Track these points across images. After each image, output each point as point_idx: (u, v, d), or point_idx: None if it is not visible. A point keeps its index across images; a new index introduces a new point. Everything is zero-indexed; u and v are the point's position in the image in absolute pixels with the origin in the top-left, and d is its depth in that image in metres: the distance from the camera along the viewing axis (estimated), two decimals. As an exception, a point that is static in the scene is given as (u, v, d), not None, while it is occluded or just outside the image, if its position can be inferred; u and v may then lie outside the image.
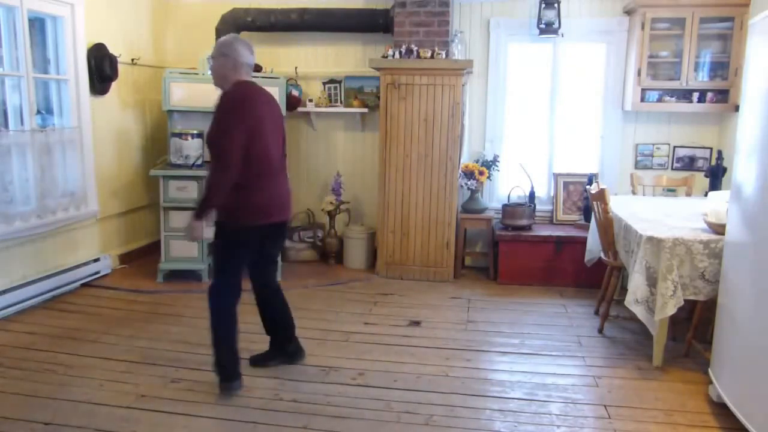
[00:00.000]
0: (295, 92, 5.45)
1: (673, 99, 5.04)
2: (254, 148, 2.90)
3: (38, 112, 4.32)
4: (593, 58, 5.39)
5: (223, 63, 2.99)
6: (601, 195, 3.87)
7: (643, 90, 5.02)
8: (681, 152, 5.32)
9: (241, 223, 2.96)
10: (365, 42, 5.53)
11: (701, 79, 4.93)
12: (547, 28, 5.11)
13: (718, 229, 3.26)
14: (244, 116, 2.87)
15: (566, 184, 5.43)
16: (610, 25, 5.23)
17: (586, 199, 5.10)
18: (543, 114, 5.49)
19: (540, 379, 3.29)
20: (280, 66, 5.58)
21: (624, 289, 3.66)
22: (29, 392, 3.00)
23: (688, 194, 4.91)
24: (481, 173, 5.21)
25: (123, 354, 3.48)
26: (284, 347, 3.40)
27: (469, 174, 5.18)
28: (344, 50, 5.61)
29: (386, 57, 4.96)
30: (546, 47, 5.38)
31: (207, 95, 4.98)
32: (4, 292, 3.95)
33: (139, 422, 2.76)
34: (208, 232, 2.99)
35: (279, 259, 3.49)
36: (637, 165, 5.37)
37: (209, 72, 2.93)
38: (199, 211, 2.88)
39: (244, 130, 2.85)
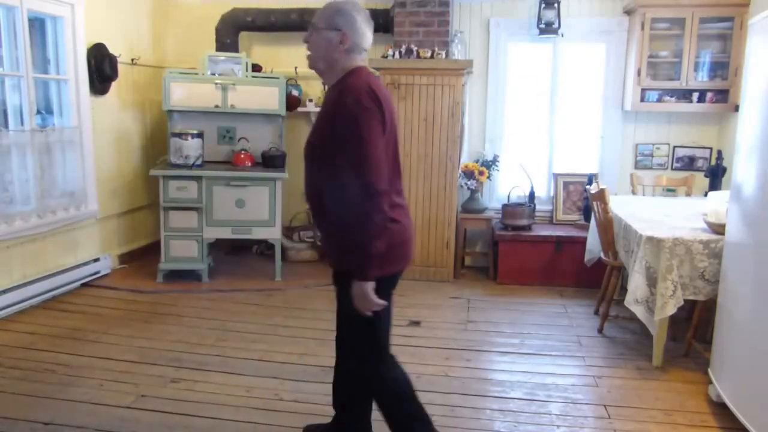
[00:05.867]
0: (295, 92, 5.46)
1: (673, 99, 5.04)
2: (387, 160, 2.09)
3: (38, 112, 4.32)
4: (593, 58, 5.39)
5: (330, 39, 2.09)
6: (601, 195, 3.87)
7: (643, 90, 5.02)
8: (681, 152, 5.32)
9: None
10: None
11: (701, 79, 4.93)
12: (547, 28, 5.12)
13: (718, 229, 3.26)
14: (379, 113, 2.02)
15: (566, 184, 5.43)
16: (610, 25, 5.24)
17: (586, 199, 5.10)
18: (543, 114, 5.49)
19: (540, 379, 3.29)
20: (280, 66, 5.58)
21: (624, 289, 3.66)
22: (29, 392, 3.00)
23: (688, 194, 4.91)
24: (481, 173, 5.21)
25: (123, 354, 3.48)
26: None
27: (469, 174, 5.18)
28: (344, 50, 5.60)
29: (386, 57, 4.96)
30: (546, 47, 5.38)
31: (207, 95, 5.03)
32: (4, 292, 3.95)
33: (139, 422, 2.76)
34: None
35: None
36: (637, 165, 5.37)
37: (308, 51, 2.15)
38: (364, 268, 2.03)
39: (382, 133, 2.03)
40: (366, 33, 2.14)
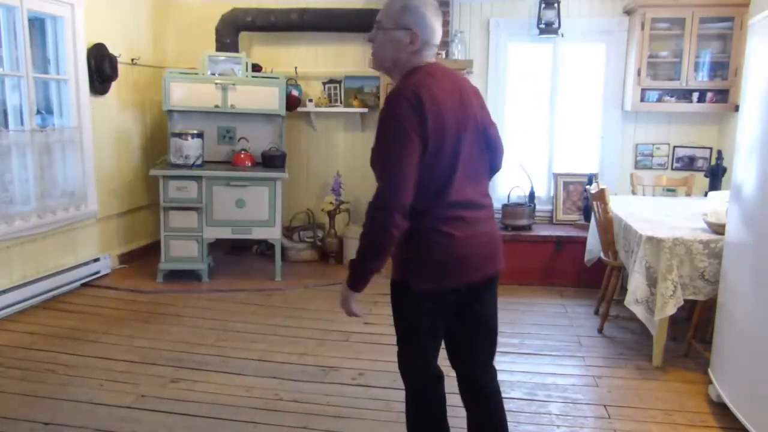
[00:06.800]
0: (295, 92, 5.46)
1: (673, 99, 5.04)
2: (432, 170, 1.87)
3: (38, 112, 4.32)
4: (593, 58, 5.39)
5: (398, 39, 1.94)
6: (601, 195, 3.87)
7: (643, 90, 5.03)
8: (681, 152, 5.32)
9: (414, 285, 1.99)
10: (365, 42, 5.50)
11: (701, 79, 4.93)
12: (547, 28, 5.12)
13: (718, 229, 3.26)
14: (417, 122, 1.82)
15: (566, 184, 5.43)
16: (610, 25, 5.23)
17: (586, 199, 5.10)
18: (543, 114, 5.49)
19: (540, 379, 3.29)
20: (280, 66, 5.58)
21: (624, 289, 3.66)
22: (29, 392, 3.00)
23: (688, 194, 4.91)
24: (481, 173, 5.20)
25: (123, 354, 3.48)
26: None
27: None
28: (344, 50, 5.61)
29: (386, 57, 4.95)
30: (546, 47, 5.38)
31: (207, 95, 5.03)
32: (4, 292, 3.95)
33: (139, 422, 2.76)
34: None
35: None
36: (637, 165, 5.37)
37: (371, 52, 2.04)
38: (351, 276, 1.96)
39: (417, 144, 1.82)
40: (436, 28, 1.97)
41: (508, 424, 2.82)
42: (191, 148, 4.83)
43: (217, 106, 5.05)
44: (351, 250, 5.44)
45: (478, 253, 1.99)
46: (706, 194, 4.49)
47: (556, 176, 5.44)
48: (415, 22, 1.92)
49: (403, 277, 2.00)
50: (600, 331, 3.97)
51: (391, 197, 1.81)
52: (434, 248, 1.93)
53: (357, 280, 1.95)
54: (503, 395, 3.06)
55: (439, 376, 2.16)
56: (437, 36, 1.98)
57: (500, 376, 3.28)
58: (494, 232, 2.07)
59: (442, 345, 2.15)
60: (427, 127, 1.82)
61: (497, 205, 5.33)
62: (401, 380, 2.18)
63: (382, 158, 1.84)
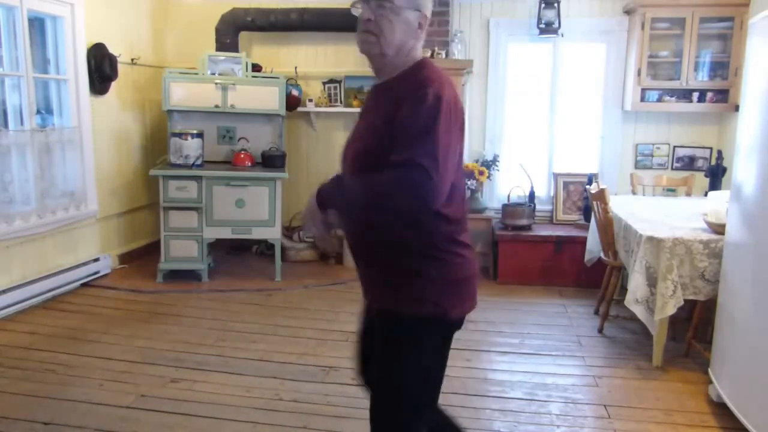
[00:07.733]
0: (295, 92, 5.45)
1: (673, 99, 5.04)
2: (460, 175, 1.66)
3: (38, 112, 4.31)
4: (593, 58, 5.39)
5: (410, 22, 1.64)
6: (601, 195, 3.87)
7: (643, 90, 5.03)
8: (681, 152, 5.32)
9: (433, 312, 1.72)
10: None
11: (701, 79, 4.93)
12: (547, 28, 5.12)
13: (718, 229, 3.26)
14: (459, 124, 1.59)
15: (566, 184, 5.43)
16: (610, 25, 5.23)
17: (586, 199, 5.09)
18: (543, 114, 5.49)
19: (540, 379, 3.29)
20: (280, 66, 5.58)
21: (624, 289, 3.67)
22: (29, 392, 3.00)
23: (688, 194, 4.91)
24: (481, 173, 5.21)
25: (123, 354, 3.48)
26: None
27: (469, 174, 5.18)
28: (344, 50, 5.61)
29: (386, 57, 4.95)
30: (546, 47, 5.38)
31: (207, 95, 5.03)
32: (4, 292, 3.94)
33: (139, 422, 2.76)
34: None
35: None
36: (637, 165, 5.37)
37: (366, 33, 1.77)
38: (328, 192, 1.71)
39: (460, 146, 1.61)
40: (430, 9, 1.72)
41: (509, 423, 2.83)
42: (191, 148, 4.83)
43: (217, 106, 5.05)
44: (351, 250, 5.43)
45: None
46: (706, 194, 4.49)
47: (556, 176, 5.44)
48: (425, 3, 1.64)
49: (432, 305, 1.67)
50: (600, 331, 3.97)
51: (436, 169, 1.46)
52: (467, 264, 1.72)
53: (331, 200, 1.63)
54: (504, 395, 3.09)
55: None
56: None
57: (500, 376, 3.33)
58: None
59: None
60: (460, 124, 1.60)
61: (497, 204, 5.35)
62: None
63: (427, 139, 1.47)
